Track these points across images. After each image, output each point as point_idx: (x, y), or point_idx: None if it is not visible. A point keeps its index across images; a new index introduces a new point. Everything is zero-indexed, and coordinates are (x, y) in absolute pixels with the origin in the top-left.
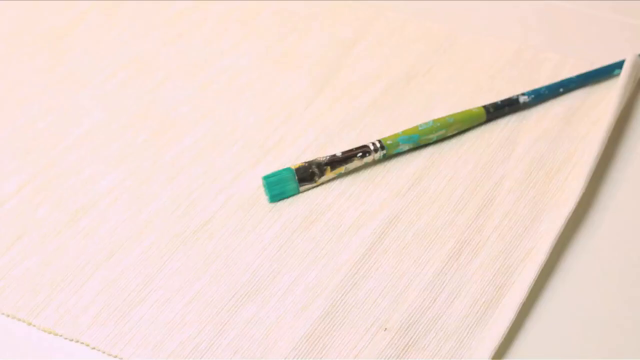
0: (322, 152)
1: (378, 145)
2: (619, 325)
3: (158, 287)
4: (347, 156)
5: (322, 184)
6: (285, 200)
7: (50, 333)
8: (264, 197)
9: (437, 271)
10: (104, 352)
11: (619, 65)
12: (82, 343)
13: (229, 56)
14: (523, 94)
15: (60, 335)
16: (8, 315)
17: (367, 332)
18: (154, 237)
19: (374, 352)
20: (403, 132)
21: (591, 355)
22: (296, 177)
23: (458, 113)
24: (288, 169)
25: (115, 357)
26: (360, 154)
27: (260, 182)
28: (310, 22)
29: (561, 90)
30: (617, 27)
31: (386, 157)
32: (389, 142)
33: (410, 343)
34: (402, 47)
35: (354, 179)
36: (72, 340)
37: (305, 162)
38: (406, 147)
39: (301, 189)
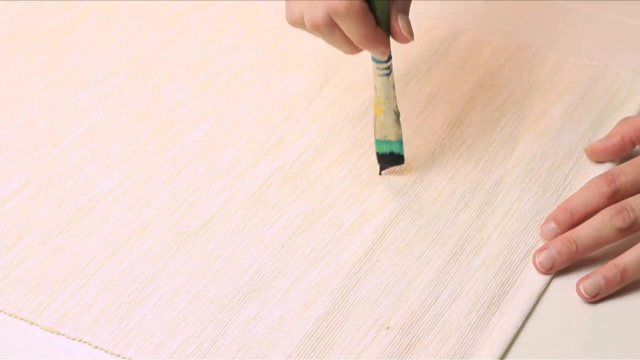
0: (323, 151)
1: None
2: (619, 325)
3: (160, 286)
4: None
5: None
6: (285, 199)
7: (52, 332)
8: (265, 196)
9: (439, 269)
10: (106, 351)
11: None
12: (85, 342)
13: (229, 56)
14: None
15: (63, 335)
16: (10, 315)
17: (369, 330)
18: (155, 236)
19: (376, 350)
20: None
21: (591, 356)
22: None
23: None
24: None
25: (118, 356)
26: None
27: (261, 181)
28: None
29: None
30: (617, 27)
31: None
32: None
33: (412, 341)
34: (401, 46)
35: (355, 177)
36: (74, 339)
37: None
38: None
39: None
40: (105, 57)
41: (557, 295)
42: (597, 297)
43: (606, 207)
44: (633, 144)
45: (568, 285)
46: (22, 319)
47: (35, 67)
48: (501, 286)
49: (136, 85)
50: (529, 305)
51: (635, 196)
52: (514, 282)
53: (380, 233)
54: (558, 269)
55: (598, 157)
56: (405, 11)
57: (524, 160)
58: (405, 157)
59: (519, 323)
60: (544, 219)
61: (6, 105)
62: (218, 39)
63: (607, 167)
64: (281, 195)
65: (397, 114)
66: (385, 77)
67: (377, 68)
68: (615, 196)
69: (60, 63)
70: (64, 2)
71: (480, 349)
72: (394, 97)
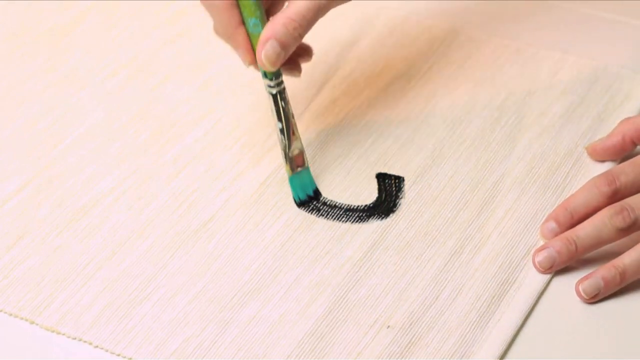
0: (323, 151)
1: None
2: (619, 325)
3: (160, 286)
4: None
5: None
6: (285, 199)
7: (52, 332)
8: (265, 195)
9: (440, 268)
10: (106, 351)
11: None
12: (85, 341)
13: (229, 55)
14: None
15: (63, 334)
16: (10, 315)
17: (370, 329)
18: (155, 236)
19: (377, 349)
20: None
21: (591, 356)
22: None
23: None
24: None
25: (118, 355)
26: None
27: (261, 180)
28: None
29: None
30: (617, 27)
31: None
32: None
33: (413, 340)
34: (402, 45)
35: (355, 177)
36: (74, 338)
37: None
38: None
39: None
40: (105, 57)
41: (557, 295)
42: (596, 298)
43: (606, 207)
44: (634, 144)
45: (568, 285)
46: (22, 318)
47: (35, 67)
48: (501, 285)
49: (136, 85)
50: (529, 305)
51: (635, 196)
52: (514, 281)
53: (380, 232)
54: (557, 269)
55: (599, 156)
56: (283, 43)
57: (524, 160)
58: (405, 157)
59: (519, 322)
60: (544, 218)
61: (6, 105)
62: (218, 39)
63: (607, 166)
64: (281, 195)
65: (285, 152)
66: (271, 96)
67: (264, 82)
68: (616, 196)
69: (60, 63)
70: (64, 2)
71: (480, 348)
72: (284, 129)
